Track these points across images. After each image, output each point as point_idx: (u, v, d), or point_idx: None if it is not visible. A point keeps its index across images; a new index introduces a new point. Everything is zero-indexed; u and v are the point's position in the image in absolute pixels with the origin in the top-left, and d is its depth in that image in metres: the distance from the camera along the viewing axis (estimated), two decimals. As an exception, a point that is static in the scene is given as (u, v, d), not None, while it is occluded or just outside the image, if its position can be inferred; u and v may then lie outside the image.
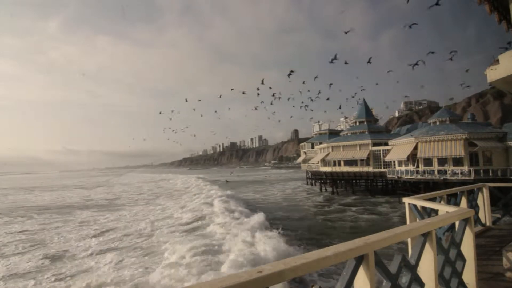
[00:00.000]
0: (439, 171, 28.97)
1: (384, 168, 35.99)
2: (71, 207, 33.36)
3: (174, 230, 18.38)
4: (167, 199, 37.67)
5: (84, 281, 10.89)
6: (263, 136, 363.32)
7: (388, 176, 34.45)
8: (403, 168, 32.36)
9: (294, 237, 17.96)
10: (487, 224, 6.40)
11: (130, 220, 23.25)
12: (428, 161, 30.16)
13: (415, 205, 4.38)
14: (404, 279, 2.40)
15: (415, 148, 30.97)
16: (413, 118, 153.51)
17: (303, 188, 52.62)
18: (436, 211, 4.40)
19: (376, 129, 42.50)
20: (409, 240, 3.77)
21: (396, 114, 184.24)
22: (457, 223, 3.48)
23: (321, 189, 45.06)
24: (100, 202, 37.47)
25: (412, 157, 31.33)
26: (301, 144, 64.14)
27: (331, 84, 39.47)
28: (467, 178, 26.58)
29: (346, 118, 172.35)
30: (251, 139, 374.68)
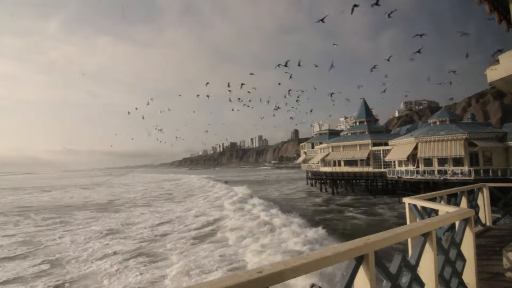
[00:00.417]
0: (439, 171, 28.96)
1: (384, 168, 35.98)
2: (113, 205, 33.95)
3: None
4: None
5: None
6: (263, 136, 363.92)
7: (388, 176, 34.44)
8: (403, 168, 32.36)
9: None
10: (487, 224, 6.40)
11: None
12: (428, 161, 30.15)
13: (415, 205, 4.38)
14: (404, 279, 2.40)
15: (415, 148, 30.96)
16: (413, 118, 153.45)
17: (303, 188, 52.63)
18: (436, 211, 4.40)
19: (376, 129, 42.50)
20: (409, 240, 3.77)
21: (396, 114, 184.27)
22: (457, 223, 3.47)
23: (321, 189, 45.05)
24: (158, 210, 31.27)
25: (412, 157, 31.32)
26: (301, 144, 64.14)
27: (332, 93, 39.45)
28: (467, 178, 26.57)
29: (346, 118, 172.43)
30: (251, 139, 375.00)
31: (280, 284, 1.60)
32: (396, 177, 32.97)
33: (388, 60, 32.20)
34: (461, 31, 21.96)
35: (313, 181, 53.32)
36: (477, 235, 5.51)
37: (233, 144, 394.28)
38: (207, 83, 43.21)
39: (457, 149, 28.27)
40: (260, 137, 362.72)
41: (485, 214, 6.41)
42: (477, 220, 6.31)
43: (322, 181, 45.43)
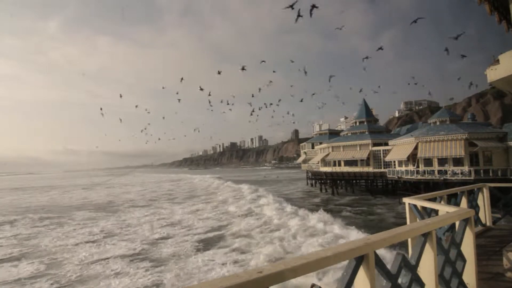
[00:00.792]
0: (439, 171, 28.95)
1: (384, 168, 35.98)
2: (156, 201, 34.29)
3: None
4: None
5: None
6: (263, 136, 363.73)
7: (388, 176, 34.45)
8: (403, 168, 32.35)
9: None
10: (487, 224, 6.40)
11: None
12: (428, 161, 30.15)
13: (415, 205, 4.37)
14: (404, 279, 2.40)
15: (415, 148, 30.96)
16: (413, 118, 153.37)
17: (302, 189, 52.60)
18: (436, 211, 4.40)
19: (376, 129, 42.51)
20: (409, 240, 3.77)
21: (396, 114, 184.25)
22: (457, 223, 3.47)
23: (321, 190, 45.04)
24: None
25: (412, 157, 31.32)
26: (301, 144, 64.18)
27: (331, 76, 37.61)
28: (467, 178, 26.56)
29: (346, 118, 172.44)
30: (251, 139, 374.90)
31: (280, 284, 1.60)
32: (396, 177, 32.97)
33: (363, 60, 31.60)
34: (452, 36, 21.50)
35: (313, 181, 53.33)
36: (477, 235, 5.50)
37: (233, 144, 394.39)
38: (182, 78, 37.45)
39: (457, 149, 28.27)
40: (260, 137, 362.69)
41: (485, 214, 6.40)
42: (477, 220, 6.30)
43: (322, 181, 45.44)
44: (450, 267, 2.97)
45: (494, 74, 4.26)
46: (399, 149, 33.46)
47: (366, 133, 40.90)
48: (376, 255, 2.06)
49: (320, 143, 50.08)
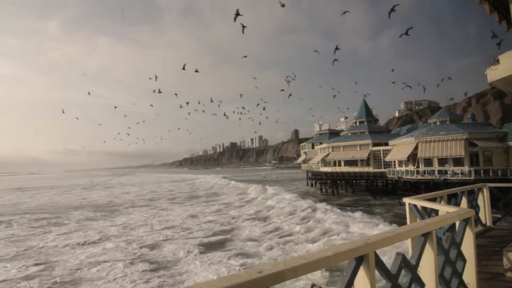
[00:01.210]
0: (440, 171, 28.94)
1: (384, 168, 35.97)
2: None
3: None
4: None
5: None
6: (263, 136, 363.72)
7: (389, 176, 34.44)
8: (403, 168, 32.34)
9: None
10: (488, 224, 6.40)
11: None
12: (428, 161, 30.14)
13: (415, 205, 4.37)
14: (405, 279, 2.40)
15: (415, 148, 30.94)
16: (413, 118, 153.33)
17: (301, 189, 52.52)
18: (436, 211, 4.39)
19: (376, 129, 42.50)
20: (409, 240, 3.77)
21: (396, 114, 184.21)
22: (457, 223, 3.47)
23: (321, 190, 45.01)
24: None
25: (413, 157, 31.31)
26: (301, 144, 64.17)
27: (335, 60, 33.36)
28: (467, 178, 26.55)
29: (346, 118, 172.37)
30: (251, 139, 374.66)
31: (280, 284, 1.60)
32: (396, 177, 32.96)
33: (333, 63, 28.17)
34: (407, 30, 20.16)
35: (313, 182, 53.32)
36: (478, 235, 5.50)
37: (233, 144, 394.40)
38: (156, 76, 35.91)
39: (457, 149, 28.26)
40: (260, 137, 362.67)
41: (485, 214, 6.40)
42: (478, 220, 6.30)
43: (322, 181, 45.43)
44: (450, 267, 2.97)
45: (494, 74, 4.26)
46: (399, 149, 33.45)
47: (366, 133, 40.89)
48: (376, 255, 2.06)
49: (320, 143, 50.09)
